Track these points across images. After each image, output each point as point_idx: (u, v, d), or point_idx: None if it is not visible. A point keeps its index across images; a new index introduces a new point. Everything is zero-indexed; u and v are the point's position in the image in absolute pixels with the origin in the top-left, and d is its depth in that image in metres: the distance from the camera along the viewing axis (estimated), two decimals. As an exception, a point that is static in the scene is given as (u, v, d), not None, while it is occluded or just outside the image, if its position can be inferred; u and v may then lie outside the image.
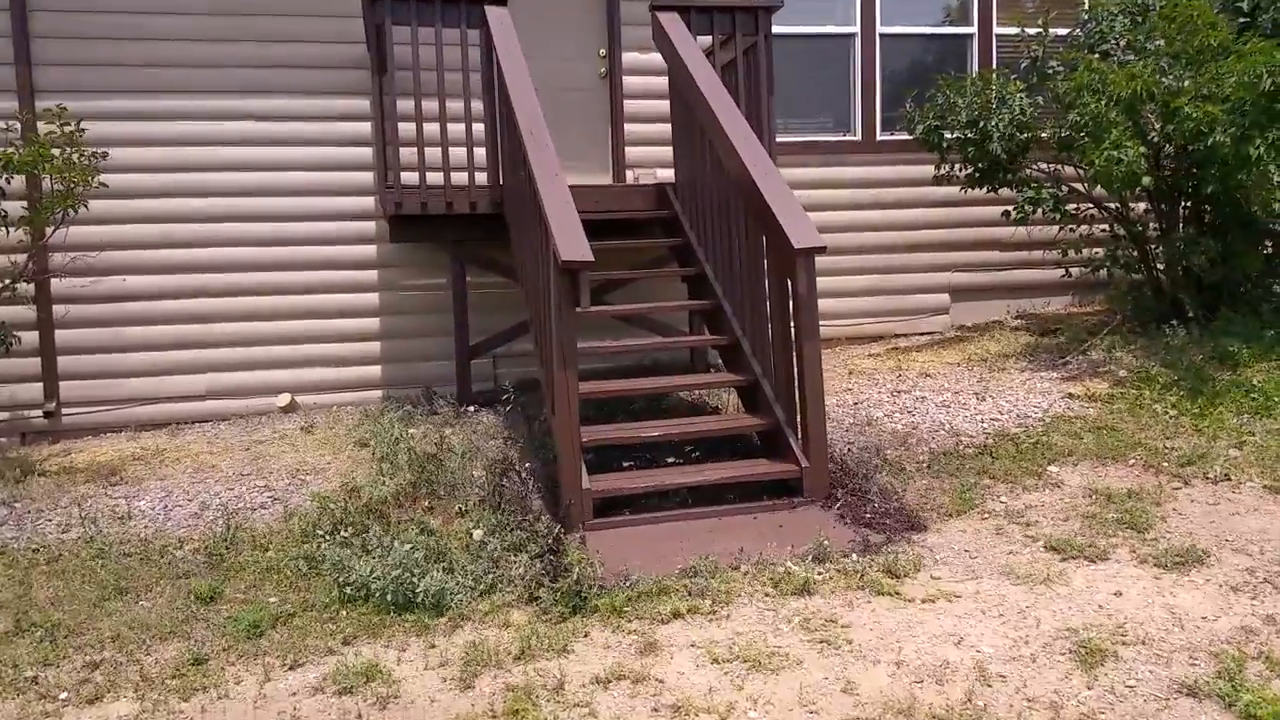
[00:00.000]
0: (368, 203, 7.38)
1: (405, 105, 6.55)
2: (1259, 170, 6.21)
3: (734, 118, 5.85)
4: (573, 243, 4.77)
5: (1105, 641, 3.48)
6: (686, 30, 6.62)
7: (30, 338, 6.90)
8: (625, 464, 5.53)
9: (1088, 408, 6.11)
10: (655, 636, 3.70)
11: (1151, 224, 7.62)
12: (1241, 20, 7.19)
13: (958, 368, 7.25)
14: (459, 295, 7.04)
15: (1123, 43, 7.23)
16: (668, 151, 7.23)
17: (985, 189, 7.77)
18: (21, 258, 6.58)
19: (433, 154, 6.51)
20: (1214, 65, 6.45)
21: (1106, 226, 7.73)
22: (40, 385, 7.02)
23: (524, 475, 5.28)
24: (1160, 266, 7.50)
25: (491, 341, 7.16)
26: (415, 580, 4.10)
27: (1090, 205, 7.66)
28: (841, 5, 8.42)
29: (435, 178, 6.57)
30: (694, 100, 6.19)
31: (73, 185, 6.24)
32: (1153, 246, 7.56)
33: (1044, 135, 7.42)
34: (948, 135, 7.60)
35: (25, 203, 6.64)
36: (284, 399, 7.31)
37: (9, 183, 6.36)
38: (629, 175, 7.83)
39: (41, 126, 6.42)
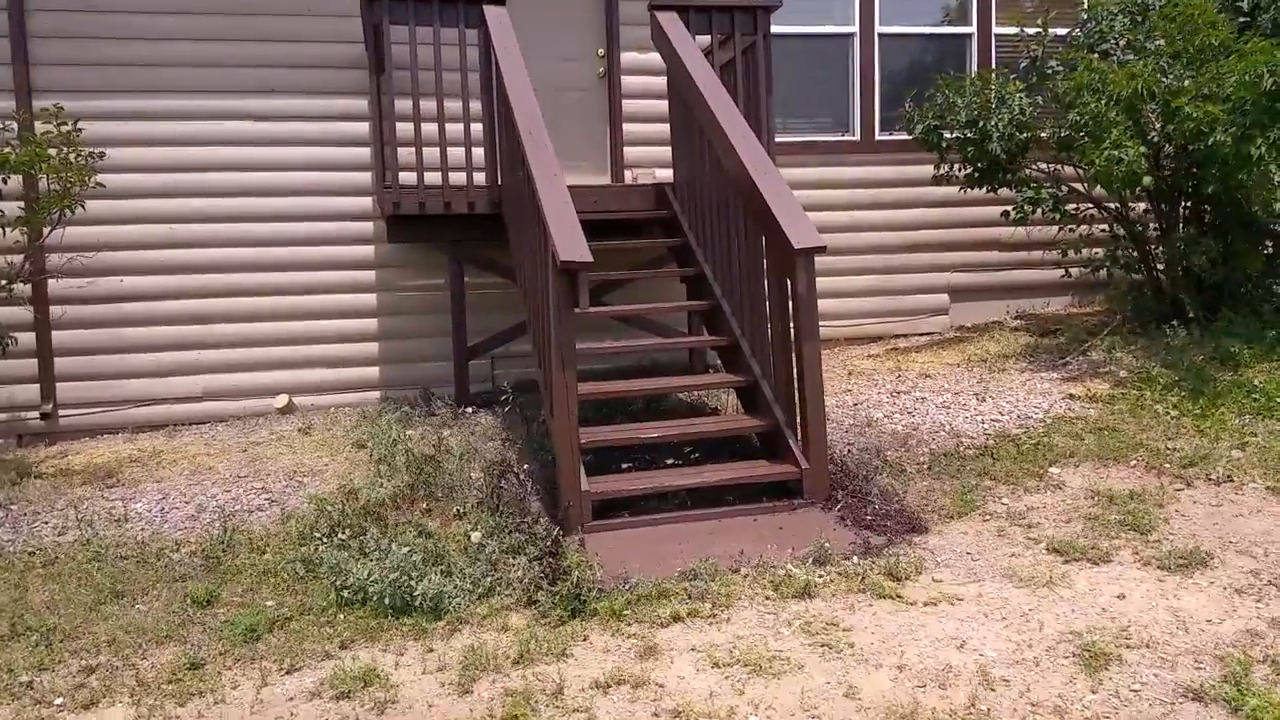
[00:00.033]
0: (365, 203, 7.35)
1: (403, 105, 6.53)
2: (1260, 170, 6.19)
3: (733, 117, 5.82)
4: (571, 243, 4.75)
5: (1109, 645, 3.46)
6: (685, 30, 6.59)
7: (27, 339, 6.86)
8: (624, 465, 5.52)
9: (1088, 408, 6.09)
10: (655, 640, 3.67)
11: (1151, 224, 7.60)
12: (1241, 20, 7.16)
13: (957, 368, 7.22)
14: (457, 296, 7.01)
15: (1122, 42, 7.21)
16: (666, 151, 7.20)
17: (984, 189, 7.74)
18: (18, 258, 6.55)
19: (431, 154, 6.48)
20: (1215, 64, 6.43)
21: (1106, 226, 7.70)
22: (37, 387, 7.00)
23: (522, 477, 5.26)
24: (1160, 266, 7.47)
25: (490, 342, 7.13)
26: (413, 583, 4.07)
27: (1090, 205, 7.64)
28: (840, 5, 8.40)
29: (433, 178, 6.55)
30: (693, 100, 6.16)
31: (69, 185, 6.20)
32: (1153, 246, 7.54)
33: (1043, 135, 7.39)
34: (947, 135, 7.58)
35: (22, 203, 6.61)
36: (281, 400, 7.28)
37: (5, 183, 6.33)
38: (628, 175, 7.81)
39: (39, 126, 6.38)
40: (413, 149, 6.49)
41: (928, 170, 7.96)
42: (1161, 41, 6.80)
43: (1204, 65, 6.51)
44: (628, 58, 7.78)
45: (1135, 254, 7.54)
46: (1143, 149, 6.41)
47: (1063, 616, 3.71)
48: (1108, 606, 3.77)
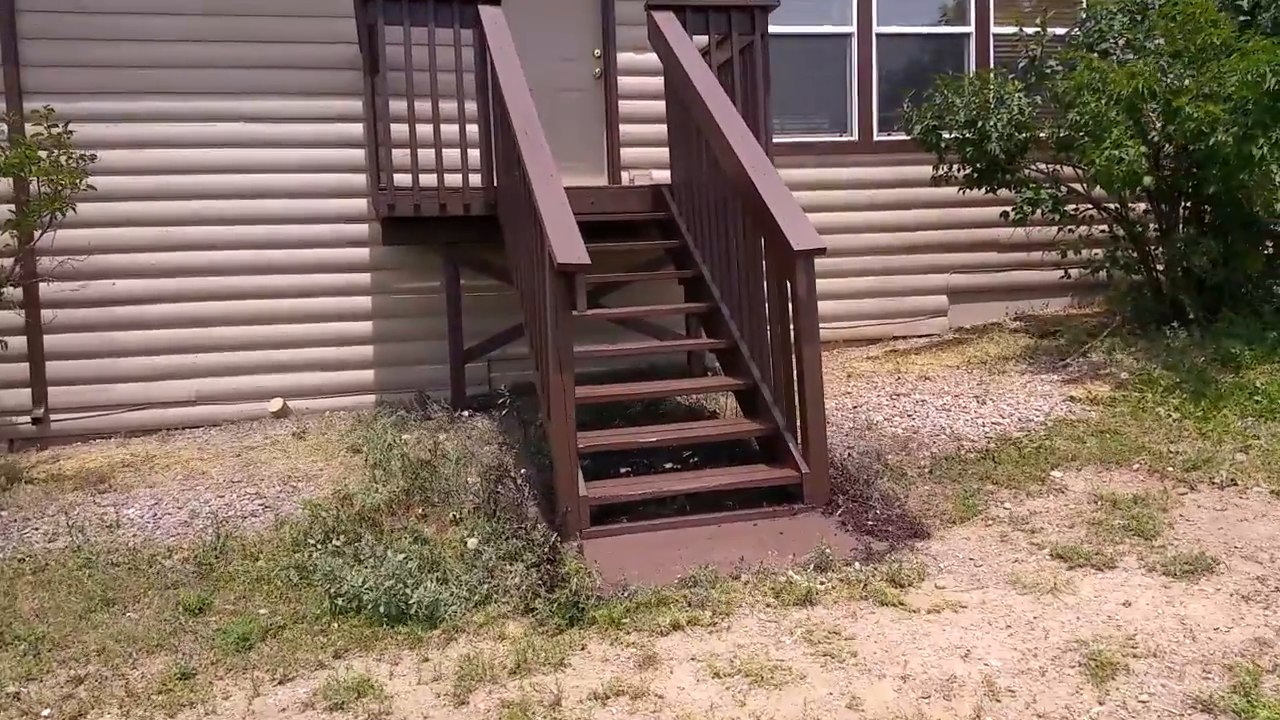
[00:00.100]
0: (360, 205, 7.29)
1: (398, 106, 6.46)
2: (1261, 170, 6.14)
3: (731, 117, 5.77)
4: (569, 245, 4.69)
5: (1115, 654, 3.40)
6: (682, 29, 6.55)
7: (18, 343, 6.80)
8: (623, 470, 5.46)
9: (1090, 411, 6.04)
10: (654, 649, 3.61)
11: (1151, 224, 7.56)
12: (1242, 18, 7.12)
13: (957, 370, 7.18)
14: (453, 298, 6.95)
15: (1122, 41, 7.17)
16: (664, 152, 7.14)
17: (983, 189, 7.70)
18: (8, 262, 6.48)
19: (426, 155, 6.42)
20: (1216, 64, 6.38)
21: (1106, 227, 7.67)
22: (28, 391, 6.93)
23: (519, 482, 5.20)
24: (1160, 267, 7.43)
25: (486, 345, 7.07)
26: (408, 591, 4.01)
27: (1089, 206, 7.60)
28: (838, 5, 8.35)
29: (429, 179, 6.48)
30: (690, 100, 6.11)
31: (60, 188, 6.16)
32: (1153, 247, 7.50)
33: (1042, 135, 7.36)
34: (945, 135, 7.54)
35: (12, 206, 6.55)
36: (276, 404, 7.21)
37: (-5, 186, 6.28)
38: (625, 176, 7.76)
39: (29, 128, 6.32)
40: (408, 150, 6.43)
41: (926, 171, 7.92)
42: (1161, 40, 6.76)
43: (1205, 64, 6.47)
44: (624, 58, 7.72)
45: (1135, 255, 7.50)
46: (1143, 149, 6.37)
47: (1068, 624, 3.65)
48: (1113, 614, 3.72)
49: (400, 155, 6.50)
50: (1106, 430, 5.70)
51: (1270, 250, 7.38)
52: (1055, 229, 7.72)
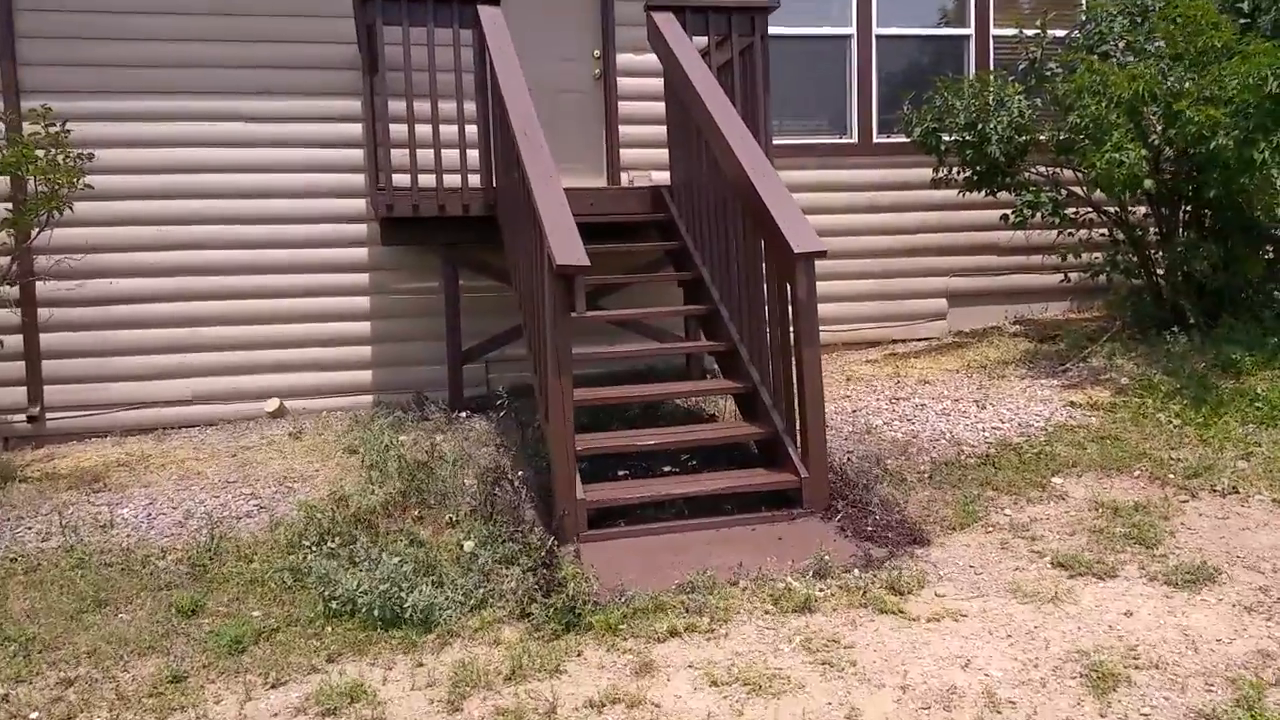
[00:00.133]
0: (359, 205, 7.26)
1: (397, 106, 6.43)
2: (1262, 174, 6.12)
3: (730, 119, 5.74)
4: (568, 246, 4.66)
5: (1117, 665, 3.36)
6: (682, 30, 6.52)
7: (14, 341, 6.77)
8: (620, 473, 5.42)
9: (1090, 416, 6.01)
10: (651, 656, 3.57)
11: (1151, 228, 7.53)
12: (1242, 21, 7.09)
13: (957, 374, 7.15)
14: (451, 299, 6.91)
15: (1122, 44, 7.14)
16: (663, 154, 7.11)
17: (983, 192, 7.67)
18: (5, 260, 6.45)
19: (425, 156, 6.38)
20: (1217, 67, 6.36)
21: (1106, 231, 7.64)
22: (24, 389, 6.90)
23: (517, 484, 5.17)
24: (1160, 272, 7.41)
25: (484, 346, 7.04)
26: (403, 594, 3.97)
27: (1089, 209, 7.57)
28: (837, 6, 8.32)
29: (428, 180, 6.45)
30: (690, 101, 6.08)
31: (58, 187, 6.13)
32: (1153, 251, 7.48)
33: (1043, 138, 7.33)
34: (945, 138, 7.51)
35: (9, 204, 6.51)
36: (272, 404, 7.18)
37: (-8, 184, 6.25)
38: (624, 177, 7.73)
39: (26, 127, 6.29)
40: (407, 151, 6.40)
41: (926, 173, 7.89)
42: (1162, 43, 6.74)
43: (1206, 67, 6.44)
44: (624, 59, 7.69)
45: (1135, 259, 7.48)
46: (1144, 152, 6.34)
47: (1069, 634, 3.61)
48: (1115, 624, 3.68)
49: (399, 155, 6.46)
50: (1107, 436, 5.67)
51: (1271, 255, 7.36)
52: (1055, 232, 7.69)
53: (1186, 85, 6.37)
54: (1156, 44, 6.81)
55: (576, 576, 4.09)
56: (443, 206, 6.51)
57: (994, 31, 8.52)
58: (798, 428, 5.09)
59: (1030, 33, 7.68)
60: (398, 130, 6.45)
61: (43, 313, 6.87)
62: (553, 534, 4.57)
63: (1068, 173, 7.49)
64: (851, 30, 8.32)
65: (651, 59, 6.95)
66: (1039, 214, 7.35)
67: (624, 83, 7.71)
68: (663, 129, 7.02)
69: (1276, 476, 5.03)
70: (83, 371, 6.96)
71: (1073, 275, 7.92)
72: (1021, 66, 7.76)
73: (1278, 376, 6.16)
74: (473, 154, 6.55)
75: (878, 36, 8.35)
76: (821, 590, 4.02)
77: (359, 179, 7.22)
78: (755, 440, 5.49)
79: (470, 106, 6.52)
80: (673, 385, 6.51)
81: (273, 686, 3.54)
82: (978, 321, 8.58)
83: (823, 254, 4.92)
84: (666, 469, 5.51)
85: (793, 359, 5.10)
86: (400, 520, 4.90)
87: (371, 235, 7.22)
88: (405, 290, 7.40)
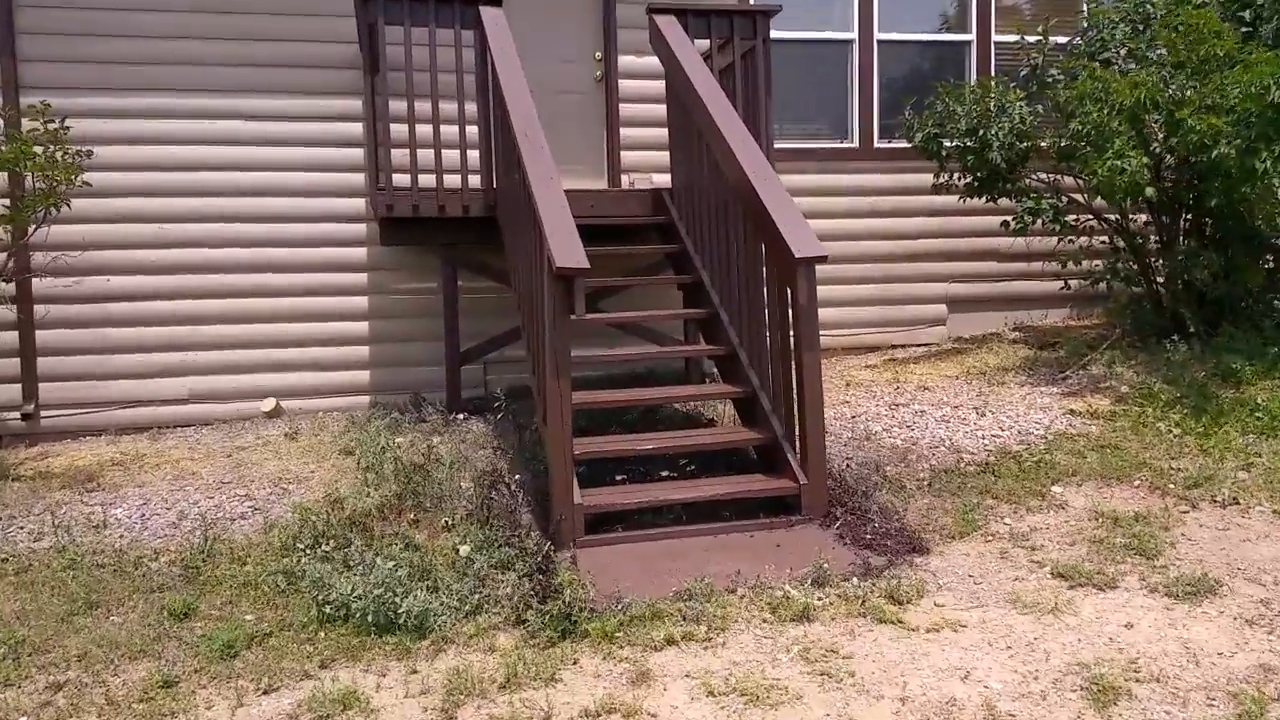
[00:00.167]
0: (359, 205, 7.23)
1: (398, 106, 6.40)
2: (1264, 184, 6.09)
3: (732, 122, 5.71)
4: (568, 248, 4.63)
5: (1118, 678, 3.33)
6: (684, 33, 6.49)
7: (9, 338, 6.75)
8: (618, 478, 5.39)
9: (1090, 425, 5.99)
10: (648, 665, 3.54)
11: (1152, 236, 7.51)
12: (1244, 30, 7.07)
13: (956, 381, 7.12)
14: (450, 300, 6.88)
15: (1124, 51, 7.11)
16: (664, 156, 7.08)
17: (984, 198, 7.64)
18: (1, 256, 6.40)
19: (425, 156, 6.35)
20: (1218, 75, 6.33)
21: (1106, 238, 7.62)
22: (19, 387, 6.85)
23: (513, 488, 5.12)
24: (1161, 280, 7.38)
25: (483, 347, 7.01)
26: (398, 600, 3.93)
27: (1090, 216, 7.54)
28: (839, 11, 8.30)
29: (428, 180, 6.41)
30: (691, 104, 6.05)
31: (55, 183, 6.09)
32: (1153, 259, 7.45)
33: (1044, 144, 7.31)
34: (946, 143, 7.48)
35: (7, 200, 6.47)
36: (269, 404, 7.14)
37: (-11, 179, 6.21)
38: (625, 180, 7.70)
39: (25, 123, 6.26)
40: (407, 151, 6.36)
41: (927, 179, 7.87)
42: (1164, 51, 6.71)
43: (1207, 76, 6.42)
44: (625, 61, 7.66)
45: (1135, 266, 7.46)
46: (1145, 160, 6.31)
47: (1069, 646, 3.59)
48: (1115, 636, 3.65)
49: (399, 155, 6.43)
50: (1107, 445, 5.65)
51: (1271, 264, 7.34)
52: (1055, 239, 7.66)
53: (1188, 93, 6.34)
54: (1158, 52, 6.79)
55: (573, 583, 4.05)
56: (443, 207, 6.48)
57: (996, 37, 8.49)
58: (797, 433, 5.06)
59: (1032, 39, 7.65)
60: (398, 130, 6.42)
61: (39, 309, 6.83)
62: (549, 539, 4.54)
63: (1069, 180, 7.47)
64: (853, 35, 8.29)
65: (653, 61, 6.92)
66: (1040, 221, 7.31)
67: (625, 85, 7.68)
68: (664, 131, 6.99)
69: (1277, 488, 5.01)
70: (78, 369, 6.92)
71: (1073, 282, 7.89)
72: (1023, 73, 7.74)
73: (1278, 386, 6.13)
74: (473, 154, 6.52)
75: (879, 41, 8.33)
76: (820, 599, 3.99)
77: (359, 178, 7.19)
78: (754, 446, 5.45)
79: (471, 107, 6.48)
80: (672, 389, 6.48)
81: (265, 692, 3.51)
82: (978, 328, 8.55)
83: (824, 259, 4.89)
84: (665, 474, 5.48)
85: (792, 364, 5.07)
86: (396, 523, 4.86)
87: (371, 235, 7.18)
88: (404, 290, 7.36)
